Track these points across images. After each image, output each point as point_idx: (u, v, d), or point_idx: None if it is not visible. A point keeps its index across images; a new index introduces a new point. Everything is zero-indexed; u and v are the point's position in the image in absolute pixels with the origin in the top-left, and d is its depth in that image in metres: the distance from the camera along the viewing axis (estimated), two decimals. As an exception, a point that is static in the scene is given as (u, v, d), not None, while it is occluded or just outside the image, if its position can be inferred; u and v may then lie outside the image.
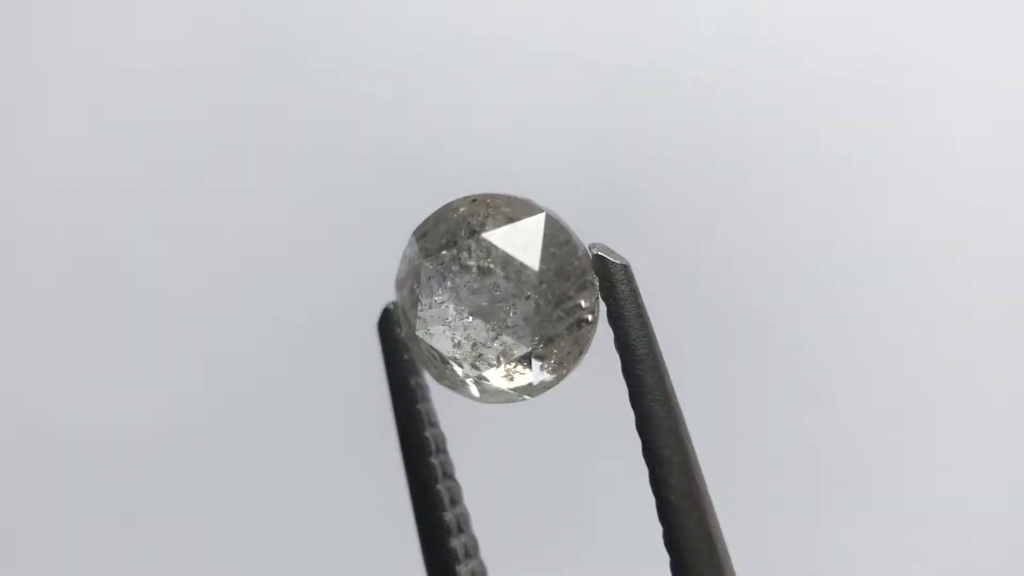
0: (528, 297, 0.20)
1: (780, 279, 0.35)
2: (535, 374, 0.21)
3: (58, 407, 0.37)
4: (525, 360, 0.21)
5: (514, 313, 0.20)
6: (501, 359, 0.21)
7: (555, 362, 0.21)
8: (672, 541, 0.19)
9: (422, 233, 0.22)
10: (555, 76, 0.35)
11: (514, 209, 0.21)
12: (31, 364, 0.37)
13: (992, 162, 0.35)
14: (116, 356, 0.37)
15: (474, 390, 0.22)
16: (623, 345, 0.20)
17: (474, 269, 0.20)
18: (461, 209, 0.21)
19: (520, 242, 0.20)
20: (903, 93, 0.35)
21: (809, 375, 0.35)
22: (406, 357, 0.23)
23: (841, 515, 0.35)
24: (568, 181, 0.35)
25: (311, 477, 0.35)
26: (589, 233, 0.21)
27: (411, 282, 0.21)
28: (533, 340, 0.20)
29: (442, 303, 0.21)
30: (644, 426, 0.20)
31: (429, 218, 0.22)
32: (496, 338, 0.20)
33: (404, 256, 0.22)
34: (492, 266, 0.20)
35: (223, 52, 0.36)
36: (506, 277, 0.20)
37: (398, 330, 0.22)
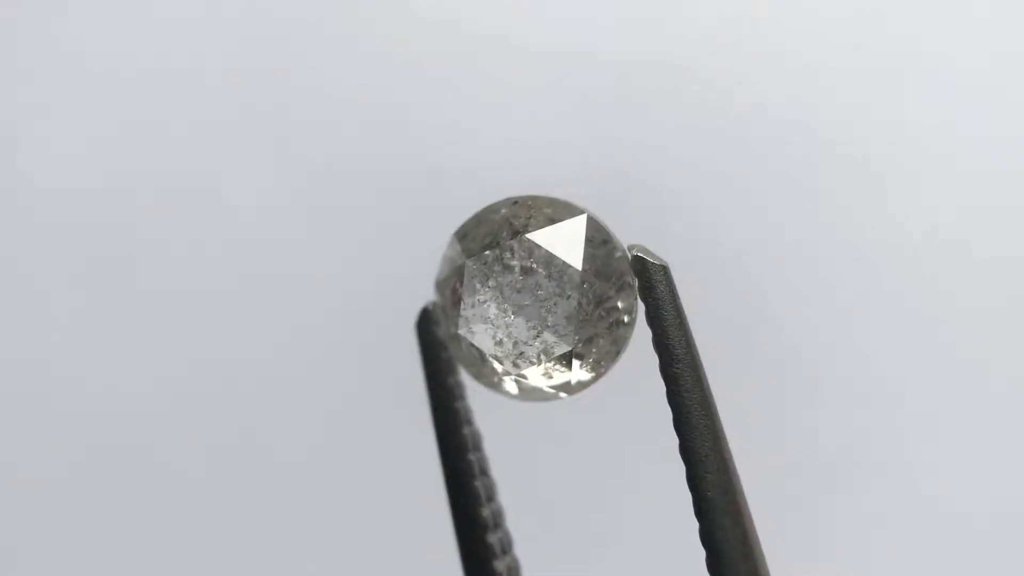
0: (570, 296, 0.21)
1: (784, 274, 0.36)
2: (574, 372, 0.21)
3: (77, 403, 0.37)
4: (565, 359, 0.21)
5: (556, 312, 0.21)
6: (542, 357, 0.21)
7: (594, 361, 0.21)
8: (709, 537, 0.20)
9: (463, 234, 0.22)
10: (566, 77, 0.36)
11: (555, 210, 0.21)
12: (46, 362, 0.37)
13: (995, 161, 0.35)
14: (135, 355, 0.37)
15: (512, 388, 0.22)
16: (661, 345, 0.20)
17: (517, 269, 0.21)
18: (503, 211, 0.22)
19: (563, 242, 0.21)
20: (905, 91, 0.35)
21: (810, 371, 0.36)
22: (444, 356, 0.23)
23: (840, 509, 0.36)
24: (578, 179, 0.35)
25: (343, 476, 0.35)
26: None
27: (453, 282, 0.22)
28: (574, 339, 0.21)
29: (484, 302, 0.21)
30: (682, 424, 0.20)
31: (470, 220, 0.22)
32: (537, 336, 0.21)
33: (444, 258, 0.22)
34: (535, 266, 0.21)
35: (241, 53, 0.36)
36: (548, 276, 0.21)
37: (436, 329, 0.23)
